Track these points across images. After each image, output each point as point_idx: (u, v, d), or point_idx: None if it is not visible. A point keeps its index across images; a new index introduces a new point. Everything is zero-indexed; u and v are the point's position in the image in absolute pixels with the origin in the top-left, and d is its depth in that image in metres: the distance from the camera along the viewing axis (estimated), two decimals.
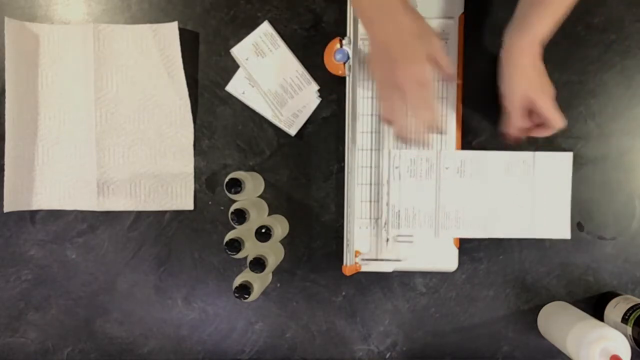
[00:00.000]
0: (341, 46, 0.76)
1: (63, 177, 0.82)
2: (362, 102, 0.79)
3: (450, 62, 0.65)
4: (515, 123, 0.72)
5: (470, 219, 0.79)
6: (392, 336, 0.82)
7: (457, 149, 0.79)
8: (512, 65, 0.69)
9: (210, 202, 0.83)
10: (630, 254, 0.80)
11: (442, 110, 0.78)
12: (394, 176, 0.79)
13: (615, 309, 0.75)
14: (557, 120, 0.70)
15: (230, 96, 0.82)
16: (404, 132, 0.65)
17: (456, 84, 0.77)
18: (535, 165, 0.79)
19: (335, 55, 0.76)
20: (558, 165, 0.79)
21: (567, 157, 0.79)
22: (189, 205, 0.82)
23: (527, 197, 0.79)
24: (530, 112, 0.71)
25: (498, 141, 0.80)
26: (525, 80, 0.69)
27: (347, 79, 0.77)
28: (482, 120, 0.80)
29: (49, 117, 0.82)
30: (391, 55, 0.62)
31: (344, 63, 0.76)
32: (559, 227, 0.79)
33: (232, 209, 0.72)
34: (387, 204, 0.79)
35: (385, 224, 0.79)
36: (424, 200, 0.79)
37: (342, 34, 0.78)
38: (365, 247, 0.79)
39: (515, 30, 0.68)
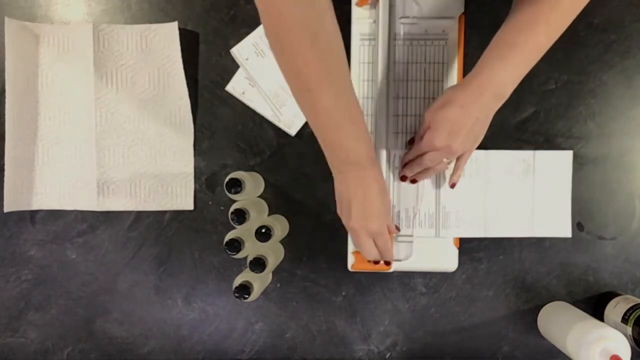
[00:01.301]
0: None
1: (63, 177, 0.82)
2: (361, 103, 0.79)
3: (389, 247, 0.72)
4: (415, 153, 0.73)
5: (470, 219, 0.79)
6: (392, 336, 0.82)
7: None
8: (461, 114, 0.65)
9: (210, 202, 0.83)
10: (630, 254, 0.80)
11: None
12: (395, 176, 0.79)
13: (615, 309, 0.75)
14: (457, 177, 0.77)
15: (230, 96, 0.82)
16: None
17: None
18: (536, 164, 0.79)
19: None
20: (558, 164, 0.79)
21: (567, 156, 0.79)
22: (189, 205, 0.82)
23: (527, 196, 0.79)
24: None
25: (497, 141, 0.80)
26: (464, 134, 0.66)
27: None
28: None
29: (49, 117, 0.82)
30: (350, 213, 0.68)
31: None
32: (559, 226, 0.79)
33: (232, 209, 0.72)
34: None
35: None
36: (424, 200, 0.79)
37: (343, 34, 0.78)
38: None
39: (474, 77, 0.65)
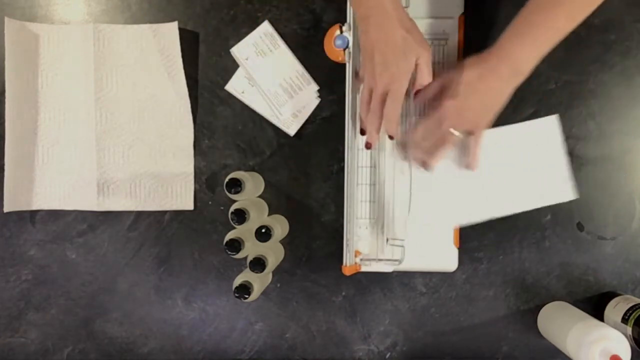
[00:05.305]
0: (341, 32, 0.75)
1: (63, 177, 0.82)
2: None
3: (426, 78, 0.67)
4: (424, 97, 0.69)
5: (471, 205, 0.77)
6: (392, 336, 0.82)
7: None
8: (481, 81, 0.65)
9: (210, 202, 0.83)
10: (630, 254, 0.80)
11: None
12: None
13: (615, 309, 0.75)
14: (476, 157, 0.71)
15: (230, 96, 0.82)
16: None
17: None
18: (523, 137, 0.76)
19: (335, 41, 0.74)
20: (544, 130, 0.76)
21: (551, 121, 0.76)
22: (189, 205, 0.82)
23: (522, 169, 0.76)
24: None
25: None
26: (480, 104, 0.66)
27: (346, 65, 0.76)
28: None
29: (49, 117, 0.82)
30: (373, 61, 0.64)
31: (344, 49, 0.75)
32: (561, 191, 0.76)
33: (232, 209, 0.72)
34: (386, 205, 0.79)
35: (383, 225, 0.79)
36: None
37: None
38: (365, 247, 0.79)
39: (494, 54, 0.65)
